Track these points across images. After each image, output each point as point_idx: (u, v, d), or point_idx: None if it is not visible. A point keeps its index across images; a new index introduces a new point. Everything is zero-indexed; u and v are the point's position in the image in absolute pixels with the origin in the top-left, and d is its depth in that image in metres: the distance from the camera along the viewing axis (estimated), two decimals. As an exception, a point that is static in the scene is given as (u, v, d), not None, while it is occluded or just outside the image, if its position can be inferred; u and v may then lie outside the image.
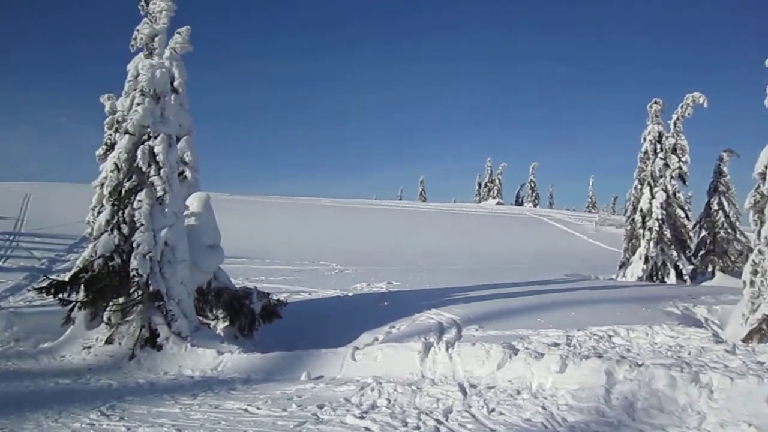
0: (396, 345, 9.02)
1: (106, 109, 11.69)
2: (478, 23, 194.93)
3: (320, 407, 6.75)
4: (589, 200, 77.89)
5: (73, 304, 9.85)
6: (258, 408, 6.92)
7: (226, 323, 10.99)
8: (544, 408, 6.42)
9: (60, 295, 9.73)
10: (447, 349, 8.29)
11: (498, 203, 74.90)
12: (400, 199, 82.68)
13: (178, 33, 10.90)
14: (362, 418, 6.32)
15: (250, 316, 10.89)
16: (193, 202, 11.17)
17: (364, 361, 8.65)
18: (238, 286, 11.76)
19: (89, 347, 9.84)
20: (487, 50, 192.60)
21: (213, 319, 11.17)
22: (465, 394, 7.10)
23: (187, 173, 11.09)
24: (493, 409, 6.46)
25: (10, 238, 23.96)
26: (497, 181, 79.95)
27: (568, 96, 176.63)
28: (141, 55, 10.80)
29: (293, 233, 32.22)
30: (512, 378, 7.48)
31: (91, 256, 10.02)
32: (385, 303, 13.64)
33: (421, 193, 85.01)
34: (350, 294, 15.37)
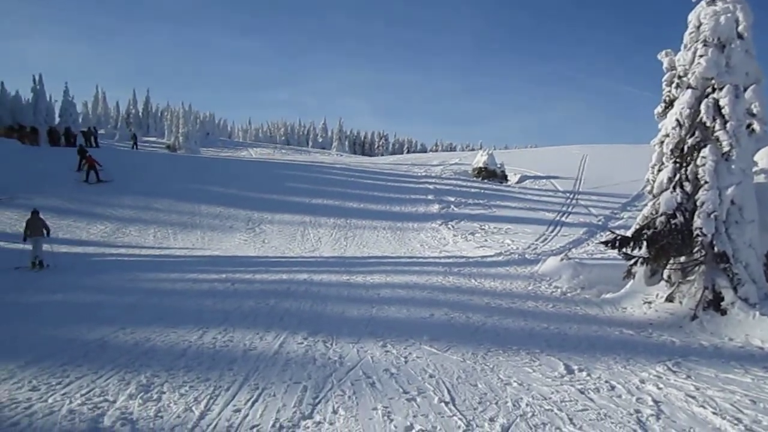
0: None
1: (664, 65, 11.42)
2: None
3: None
4: None
5: (635, 259, 10.18)
6: None
7: (803, 294, 9.68)
8: None
9: (623, 250, 10.15)
10: None
11: None
12: None
13: (742, -29, 9.86)
14: None
15: (834, 289, 9.33)
16: (764, 157, 10.12)
17: None
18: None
19: (649, 302, 10.04)
20: None
21: (787, 289, 9.99)
22: None
23: (755, 126, 10.02)
24: None
25: (571, 195, 26.27)
26: None
27: None
28: (702, 3, 10.17)
29: None
30: None
31: (652, 214, 10.13)
32: None
33: None
34: None
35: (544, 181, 30.26)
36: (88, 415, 5.10)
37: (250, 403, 5.44)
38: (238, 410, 5.26)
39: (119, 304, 9.86)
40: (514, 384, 6.17)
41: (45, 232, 14.75)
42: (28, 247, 14.58)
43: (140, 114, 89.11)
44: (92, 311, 9.33)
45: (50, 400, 5.41)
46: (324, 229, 21.33)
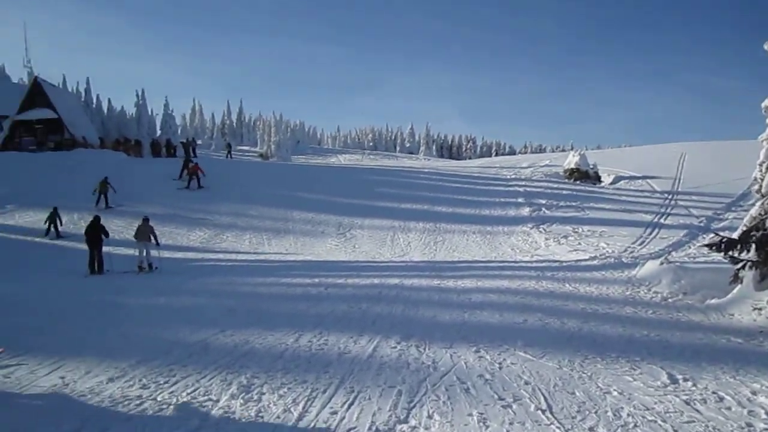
0: None
1: (774, 57, 10.76)
2: None
3: None
4: None
5: (743, 263, 9.60)
6: None
7: None
8: None
9: (729, 253, 9.61)
10: None
11: None
12: None
13: None
14: None
15: None
16: None
17: None
18: None
19: (759, 309, 9.45)
20: None
21: None
22: None
23: None
24: None
25: (669, 196, 25.12)
26: None
27: None
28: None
29: None
30: None
31: (761, 215, 9.54)
32: None
33: None
34: None
35: (640, 181, 29.10)
36: (194, 413, 5.35)
37: (346, 405, 5.53)
38: (335, 412, 5.36)
39: (219, 307, 10.28)
40: (614, 393, 5.96)
41: (152, 238, 15.74)
42: (135, 253, 15.59)
43: (234, 124, 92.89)
44: (194, 314, 9.77)
45: (159, 398, 5.71)
46: (413, 234, 21.41)
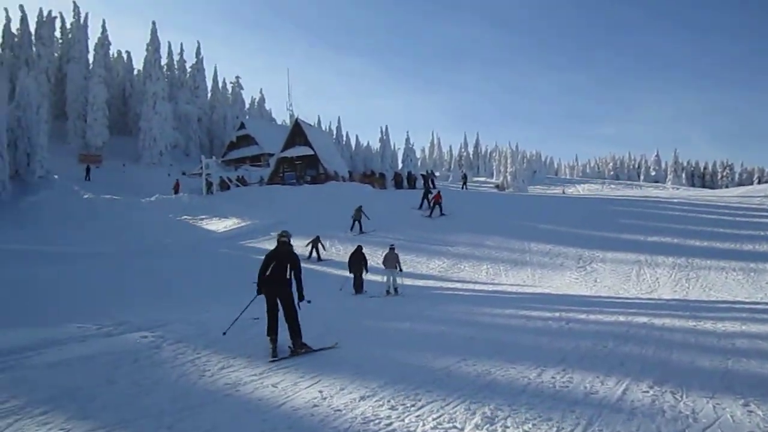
0: None
1: None
2: None
3: None
4: None
5: None
6: None
7: None
8: None
9: None
10: None
11: None
12: None
13: None
14: None
15: None
16: None
17: None
18: None
19: None
20: None
21: None
22: None
23: None
24: None
25: None
26: None
27: None
28: None
29: None
30: None
31: None
32: None
33: None
34: None
35: None
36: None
37: (596, 449, 5.25)
38: (585, 455, 5.12)
39: (459, 335, 10.46)
40: None
41: (397, 266, 16.95)
42: (383, 279, 16.95)
43: (470, 156, 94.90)
44: (436, 340, 10.05)
45: (406, 420, 5.93)
46: (662, 269, 19.88)
